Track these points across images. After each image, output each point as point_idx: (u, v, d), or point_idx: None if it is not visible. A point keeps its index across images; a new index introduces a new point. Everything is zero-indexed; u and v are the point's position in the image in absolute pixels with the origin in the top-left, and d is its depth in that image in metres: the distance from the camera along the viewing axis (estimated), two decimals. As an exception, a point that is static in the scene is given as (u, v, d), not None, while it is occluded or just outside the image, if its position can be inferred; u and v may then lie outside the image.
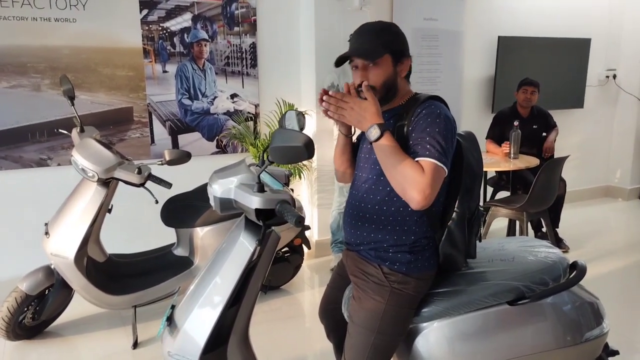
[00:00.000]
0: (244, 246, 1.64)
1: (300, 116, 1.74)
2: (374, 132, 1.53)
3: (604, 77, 5.71)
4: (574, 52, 5.37)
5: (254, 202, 1.53)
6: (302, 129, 1.70)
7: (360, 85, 1.62)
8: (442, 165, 1.51)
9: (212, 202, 1.69)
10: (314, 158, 3.99)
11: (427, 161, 1.51)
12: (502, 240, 2.07)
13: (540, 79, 4.37)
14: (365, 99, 1.57)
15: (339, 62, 1.68)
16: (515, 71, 4.87)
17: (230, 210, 1.67)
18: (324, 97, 1.58)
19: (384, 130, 1.53)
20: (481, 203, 4.53)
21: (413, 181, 1.49)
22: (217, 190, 1.65)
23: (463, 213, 1.68)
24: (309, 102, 4.00)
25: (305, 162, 3.87)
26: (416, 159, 1.53)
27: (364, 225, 1.71)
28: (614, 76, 5.72)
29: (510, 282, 1.70)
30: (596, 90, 5.70)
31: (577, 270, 1.75)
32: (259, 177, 1.57)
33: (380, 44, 1.64)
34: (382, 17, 4.40)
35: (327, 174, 3.96)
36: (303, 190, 4.17)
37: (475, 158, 1.73)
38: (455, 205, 1.67)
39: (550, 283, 1.72)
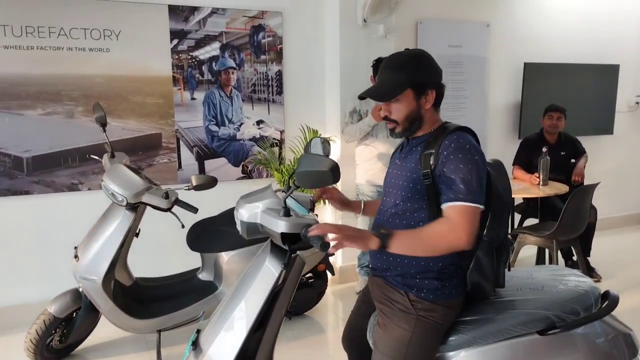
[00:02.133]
0: (269, 271, 1.64)
1: (326, 143, 1.75)
2: (383, 240, 1.54)
3: (634, 103, 5.62)
4: (602, 78, 5.31)
5: (279, 226, 1.54)
6: (327, 155, 1.71)
7: (386, 117, 1.69)
8: (473, 204, 1.52)
9: (238, 227, 1.71)
10: (338, 184, 3.99)
11: (456, 205, 1.53)
12: (531, 269, 2.03)
13: (568, 106, 4.32)
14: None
15: (362, 97, 1.72)
16: (541, 97, 4.83)
17: (256, 234, 1.68)
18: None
19: (386, 234, 1.54)
20: (509, 231, 4.46)
21: (446, 237, 1.51)
22: (244, 214, 1.66)
23: (491, 241, 1.66)
24: (333, 129, 4.03)
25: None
26: (447, 204, 1.55)
27: (389, 252, 1.69)
28: (645, 102, 5.62)
29: (540, 311, 1.66)
30: (626, 116, 5.60)
31: (609, 300, 1.70)
32: (284, 201, 1.59)
33: (400, 80, 1.65)
34: (407, 45, 4.42)
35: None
36: (327, 216, 4.17)
37: (504, 186, 1.72)
38: (484, 234, 1.65)
39: (582, 313, 1.67)
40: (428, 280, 1.64)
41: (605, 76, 5.32)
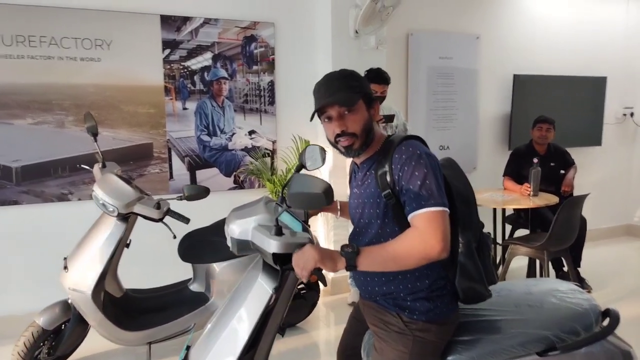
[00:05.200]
0: (262, 288, 1.59)
1: (322, 151, 1.73)
2: (349, 259, 1.45)
3: (621, 115, 5.70)
4: (590, 90, 5.38)
5: (271, 245, 1.47)
6: (323, 162, 1.71)
7: (339, 135, 1.58)
8: (437, 208, 1.46)
9: (229, 243, 1.65)
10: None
11: (420, 214, 1.47)
12: (530, 282, 2.00)
13: (557, 117, 4.37)
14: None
15: (314, 115, 1.64)
16: (531, 109, 4.88)
17: (247, 251, 1.63)
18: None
19: (352, 252, 1.45)
20: (493, 231, 4.48)
21: (418, 248, 1.44)
22: (235, 230, 1.60)
23: (469, 242, 1.62)
24: (325, 139, 4.02)
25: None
26: (411, 215, 1.49)
27: (374, 280, 1.66)
28: (632, 114, 5.70)
29: (540, 331, 1.63)
30: (614, 128, 5.68)
31: (611, 318, 1.67)
32: (277, 219, 1.53)
33: (352, 90, 1.60)
34: (398, 56, 4.49)
35: (343, 210, 3.94)
36: (319, 226, 4.16)
37: (463, 183, 1.67)
38: (459, 237, 1.61)
39: (582, 332, 1.64)
40: (419, 302, 1.60)
41: (593, 88, 5.39)
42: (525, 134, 4.52)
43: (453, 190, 1.62)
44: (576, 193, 4.03)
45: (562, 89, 5.20)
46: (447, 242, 1.45)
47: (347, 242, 4.05)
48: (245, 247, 1.61)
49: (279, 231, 1.49)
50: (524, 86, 4.99)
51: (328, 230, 4.08)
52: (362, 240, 1.66)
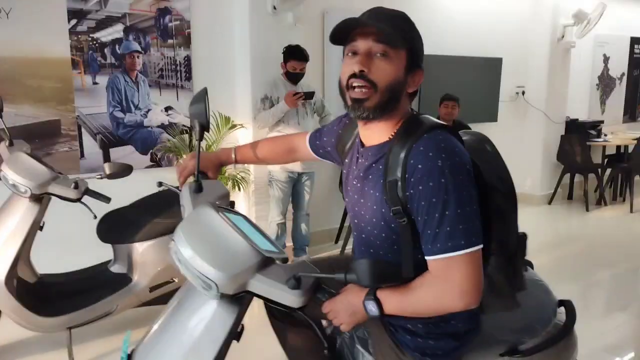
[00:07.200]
0: (221, 318, 1.18)
1: (205, 95, 1.51)
2: (372, 308, 1.17)
3: (514, 93, 6.23)
4: (487, 70, 5.81)
5: (294, 301, 1.11)
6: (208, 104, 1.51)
7: (355, 76, 1.18)
8: (464, 250, 1.11)
9: (197, 282, 1.11)
10: (251, 170, 4.01)
11: (441, 259, 1.13)
12: None
13: (459, 95, 4.69)
14: None
15: (337, 36, 1.26)
16: (435, 87, 5.17)
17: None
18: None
19: (373, 298, 1.16)
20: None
21: (441, 300, 1.15)
22: (224, 283, 1.08)
23: (502, 250, 1.29)
24: (244, 115, 4.03)
25: (242, 175, 3.88)
26: (429, 258, 1.15)
27: None
28: (523, 92, 6.24)
29: (501, 333, 1.45)
30: (508, 105, 6.19)
31: (567, 312, 1.54)
32: (295, 275, 1.10)
33: (400, 32, 1.20)
34: (314, 34, 4.54)
35: (264, 185, 3.99)
36: (241, 203, 4.17)
37: (499, 175, 1.35)
38: (491, 246, 1.27)
39: (541, 330, 1.47)
40: (445, 340, 1.28)
41: (490, 68, 5.83)
42: (432, 111, 4.81)
43: (488, 187, 1.28)
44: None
45: (462, 68, 5.56)
46: (478, 290, 1.13)
47: (276, 219, 3.97)
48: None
49: (297, 283, 1.10)
50: (429, 66, 5.17)
51: (250, 206, 4.11)
52: (372, 256, 1.31)
